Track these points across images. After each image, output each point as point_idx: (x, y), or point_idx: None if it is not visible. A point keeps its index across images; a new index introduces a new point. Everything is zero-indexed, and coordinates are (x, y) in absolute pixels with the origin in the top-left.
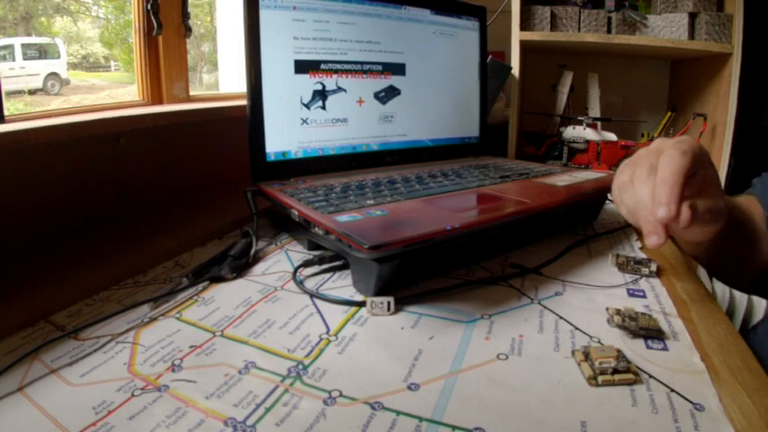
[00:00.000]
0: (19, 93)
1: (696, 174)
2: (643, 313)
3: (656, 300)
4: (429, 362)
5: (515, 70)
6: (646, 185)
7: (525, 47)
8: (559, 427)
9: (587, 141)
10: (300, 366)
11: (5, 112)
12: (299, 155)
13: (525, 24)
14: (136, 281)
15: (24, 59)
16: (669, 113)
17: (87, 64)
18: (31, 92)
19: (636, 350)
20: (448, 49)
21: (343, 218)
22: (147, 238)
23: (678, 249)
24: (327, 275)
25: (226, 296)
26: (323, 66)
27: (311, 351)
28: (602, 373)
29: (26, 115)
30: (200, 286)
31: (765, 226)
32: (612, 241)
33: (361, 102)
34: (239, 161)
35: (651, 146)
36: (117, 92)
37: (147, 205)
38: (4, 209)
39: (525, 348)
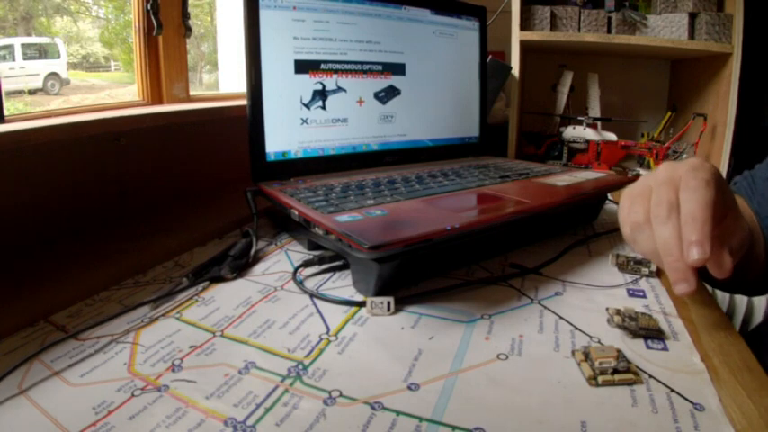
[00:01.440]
0: (19, 93)
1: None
2: (643, 313)
3: (656, 300)
4: (429, 362)
5: (515, 70)
6: (666, 226)
7: (525, 47)
8: (559, 427)
9: (587, 141)
10: (300, 366)
11: (5, 112)
12: (299, 155)
13: (525, 24)
14: (136, 281)
15: (24, 59)
16: (669, 113)
17: (87, 64)
18: (31, 92)
19: (636, 350)
20: (448, 49)
21: (343, 218)
22: (147, 238)
23: None
24: (327, 275)
25: (226, 296)
26: (323, 66)
27: (311, 351)
28: (602, 373)
29: (26, 115)
30: (200, 286)
31: (760, 230)
32: (612, 241)
33: (361, 102)
34: (239, 161)
35: (660, 175)
36: (117, 92)
37: (147, 205)
38: (4, 209)
39: (525, 348)
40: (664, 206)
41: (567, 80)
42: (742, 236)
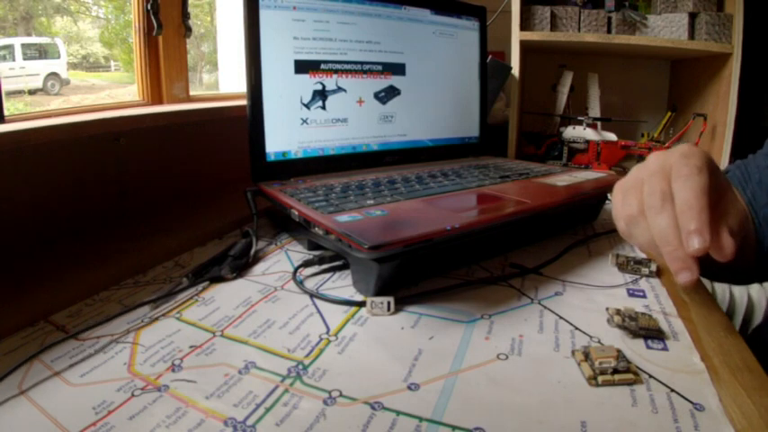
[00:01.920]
0: (19, 93)
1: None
2: (643, 313)
3: (656, 300)
4: (429, 362)
5: (515, 70)
6: (662, 216)
7: (525, 47)
8: (559, 427)
9: (587, 141)
10: (300, 366)
11: (5, 112)
12: (299, 155)
13: (525, 24)
14: (136, 281)
15: (24, 59)
16: (669, 113)
17: (87, 64)
18: (31, 92)
19: (636, 350)
20: (448, 49)
21: (343, 218)
22: (147, 238)
23: None
24: (327, 275)
25: (226, 296)
26: (323, 66)
27: (311, 351)
28: (602, 373)
29: (26, 115)
30: (200, 286)
31: (751, 219)
32: (612, 241)
33: (361, 102)
34: (239, 161)
35: (651, 165)
36: (117, 92)
37: (147, 205)
38: (4, 209)
39: (525, 348)
40: (657, 195)
41: (567, 80)
42: (740, 217)
